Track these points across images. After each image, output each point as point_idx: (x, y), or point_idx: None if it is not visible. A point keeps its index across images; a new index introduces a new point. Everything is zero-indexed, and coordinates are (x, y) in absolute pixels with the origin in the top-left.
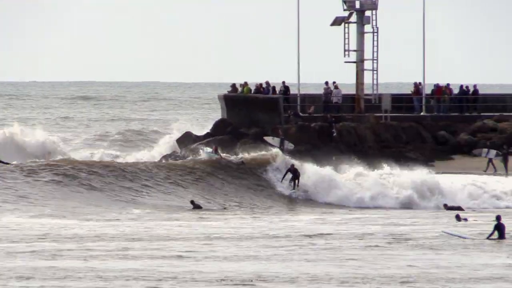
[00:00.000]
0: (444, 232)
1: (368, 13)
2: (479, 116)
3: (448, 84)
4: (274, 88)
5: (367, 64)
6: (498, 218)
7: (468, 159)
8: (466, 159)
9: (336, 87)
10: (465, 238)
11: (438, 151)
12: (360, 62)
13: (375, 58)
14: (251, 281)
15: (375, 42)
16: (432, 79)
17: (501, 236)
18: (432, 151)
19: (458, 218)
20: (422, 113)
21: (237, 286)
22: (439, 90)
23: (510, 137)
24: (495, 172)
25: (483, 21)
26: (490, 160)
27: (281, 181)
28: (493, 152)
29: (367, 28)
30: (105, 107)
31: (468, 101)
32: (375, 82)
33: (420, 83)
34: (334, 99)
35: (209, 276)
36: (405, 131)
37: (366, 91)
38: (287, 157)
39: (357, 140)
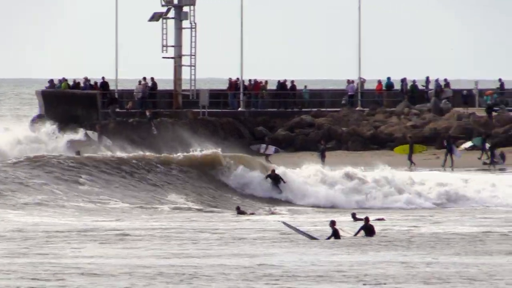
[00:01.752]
0: (284, 224)
1: (186, 8)
2: (298, 111)
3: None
4: (96, 83)
5: (185, 60)
6: (366, 219)
7: (283, 155)
8: (281, 154)
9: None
10: (308, 236)
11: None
12: (178, 57)
13: (193, 54)
14: None
15: (193, 38)
16: (250, 74)
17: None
18: (249, 147)
19: (353, 216)
20: (240, 109)
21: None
22: (257, 86)
23: (327, 132)
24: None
25: (304, 16)
26: (267, 156)
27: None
28: (271, 148)
29: (185, 23)
30: None
31: (287, 96)
32: (192, 77)
33: (238, 78)
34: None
35: None
36: (223, 126)
37: (184, 87)
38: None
39: (174, 136)
